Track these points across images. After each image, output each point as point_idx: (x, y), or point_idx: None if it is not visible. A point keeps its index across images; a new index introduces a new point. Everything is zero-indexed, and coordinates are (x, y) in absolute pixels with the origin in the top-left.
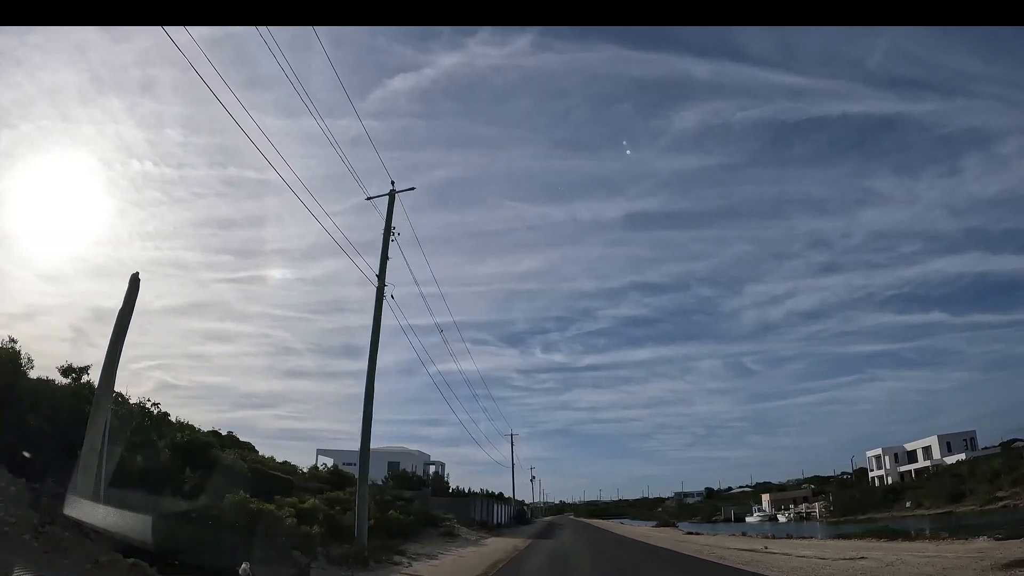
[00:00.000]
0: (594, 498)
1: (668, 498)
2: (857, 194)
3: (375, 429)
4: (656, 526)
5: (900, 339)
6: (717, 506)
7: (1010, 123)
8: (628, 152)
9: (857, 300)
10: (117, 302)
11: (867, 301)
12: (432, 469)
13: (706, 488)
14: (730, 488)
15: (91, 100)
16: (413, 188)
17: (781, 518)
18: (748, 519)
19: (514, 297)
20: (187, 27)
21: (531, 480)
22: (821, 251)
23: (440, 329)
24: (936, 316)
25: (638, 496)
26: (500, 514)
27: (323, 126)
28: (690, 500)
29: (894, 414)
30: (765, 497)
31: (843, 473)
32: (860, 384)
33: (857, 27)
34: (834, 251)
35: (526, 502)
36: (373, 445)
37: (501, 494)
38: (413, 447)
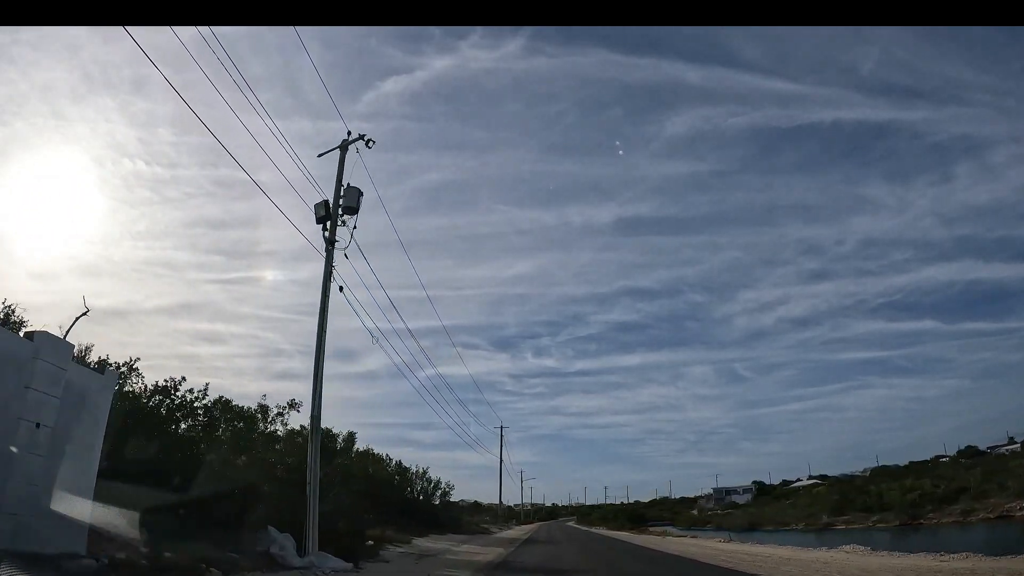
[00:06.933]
0: (596, 501)
1: (700, 497)
2: (848, 201)
3: None
4: None
5: (891, 347)
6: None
7: (1001, 131)
8: (621, 152)
9: (848, 307)
10: (108, 301)
11: (858, 308)
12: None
13: (754, 482)
14: (785, 481)
15: (83, 98)
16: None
17: None
18: None
19: (505, 301)
20: (174, 27)
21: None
22: (812, 258)
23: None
24: (927, 324)
25: (649, 498)
26: None
27: (276, 130)
28: (737, 498)
29: (885, 421)
30: None
31: None
32: (851, 391)
33: (851, 33)
34: (825, 258)
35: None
36: None
37: None
38: None
